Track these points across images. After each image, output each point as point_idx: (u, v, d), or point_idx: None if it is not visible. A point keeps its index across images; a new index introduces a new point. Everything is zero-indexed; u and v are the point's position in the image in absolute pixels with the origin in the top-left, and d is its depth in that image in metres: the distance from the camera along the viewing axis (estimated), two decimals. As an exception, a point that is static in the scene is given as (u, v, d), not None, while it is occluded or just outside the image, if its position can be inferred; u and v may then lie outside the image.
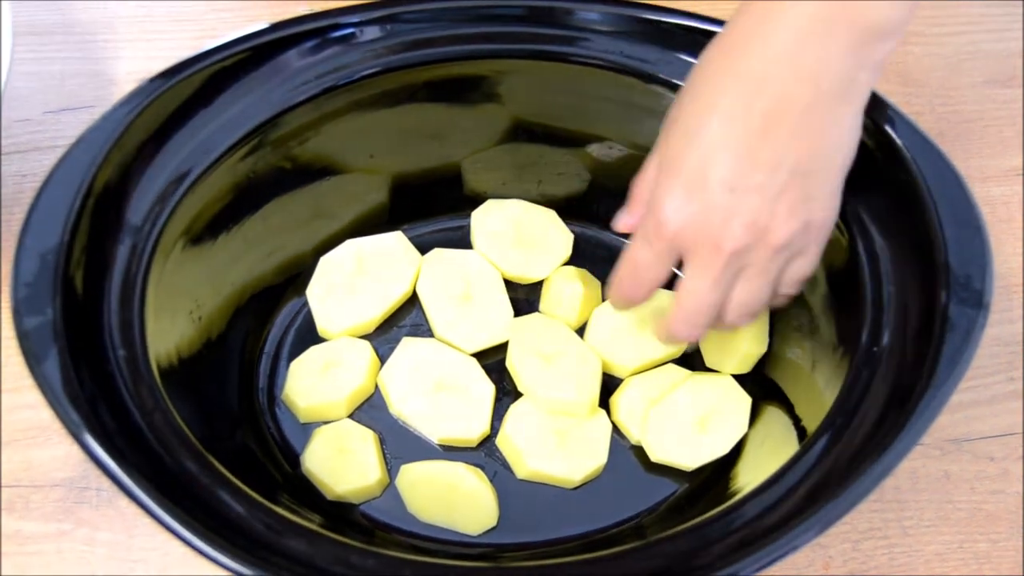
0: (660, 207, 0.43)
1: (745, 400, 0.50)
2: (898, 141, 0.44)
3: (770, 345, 0.52)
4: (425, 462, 0.50)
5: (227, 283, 0.51)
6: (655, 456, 0.50)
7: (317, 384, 0.51)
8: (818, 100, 0.40)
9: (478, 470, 0.50)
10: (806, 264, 0.45)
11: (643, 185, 0.46)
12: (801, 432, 0.46)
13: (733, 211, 0.41)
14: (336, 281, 0.54)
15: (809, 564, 0.49)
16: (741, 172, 0.41)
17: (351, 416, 0.52)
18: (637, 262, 0.45)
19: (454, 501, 0.49)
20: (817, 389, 0.46)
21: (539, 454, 0.49)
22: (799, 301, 0.49)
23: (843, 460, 0.39)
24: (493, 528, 0.49)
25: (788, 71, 0.40)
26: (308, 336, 0.54)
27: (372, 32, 0.49)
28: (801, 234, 0.43)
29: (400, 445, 0.51)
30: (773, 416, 0.50)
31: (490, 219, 0.56)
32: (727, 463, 0.49)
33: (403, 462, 0.50)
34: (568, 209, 0.57)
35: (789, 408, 0.48)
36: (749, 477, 0.46)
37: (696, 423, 0.50)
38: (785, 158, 0.41)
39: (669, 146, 0.44)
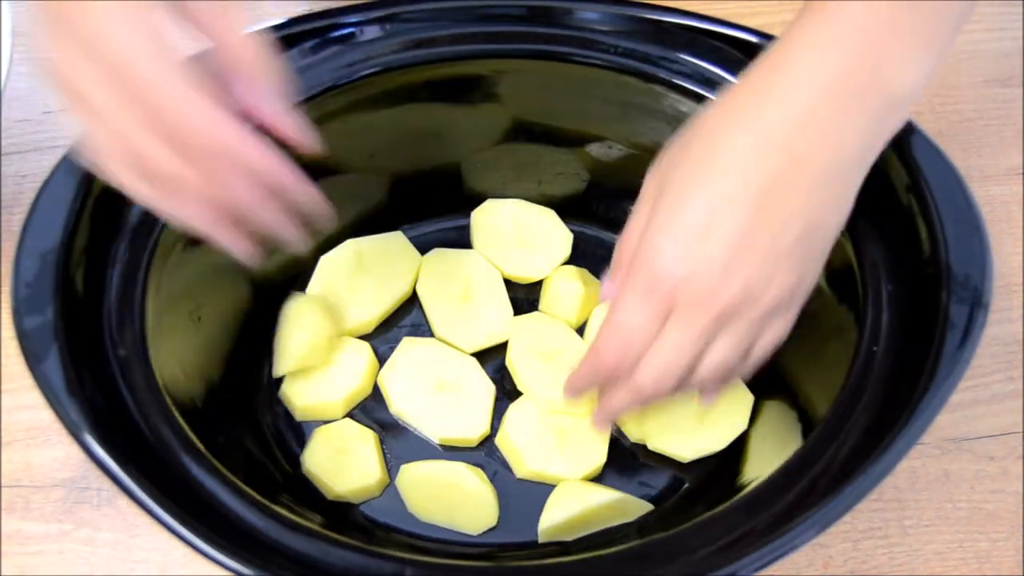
0: (657, 258, 0.40)
1: (747, 398, 0.50)
2: (898, 140, 0.44)
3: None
4: (425, 462, 0.50)
5: (227, 283, 0.51)
6: (652, 445, 0.50)
7: (315, 383, 0.51)
8: (837, 165, 0.39)
9: (478, 470, 0.50)
10: (781, 328, 0.43)
11: (627, 248, 0.43)
12: (803, 430, 0.46)
13: (733, 269, 0.39)
14: (336, 280, 0.54)
15: (809, 563, 0.49)
16: (747, 230, 0.39)
17: (351, 416, 0.52)
18: (626, 327, 0.41)
19: (454, 501, 0.49)
20: (818, 388, 0.46)
21: (539, 454, 0.49)
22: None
23: (843, 459, 0.39)
24: (493, 528, 0.49)
25: (810, 134, 0.38)
26: (308, 336, 0.54)
27: (372, 32, 0.49)
28: (789, 296, 0.41)
29: (400, 445, 0.51)
30: (776, 415, 0.50)
31: (490, 219, 0.56)
32: (728, 462, 0.49)
33: (403, 462, 0.50)
34: (568, 209, 0.57)
35: (791, 406, 0.48)
36: (750, 476, 0.46)
37: (696, 416, 0.50)
38: (794, 221, 0.39)
39: (666, 194, 0.41)
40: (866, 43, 0.38)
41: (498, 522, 0.49)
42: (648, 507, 0.49)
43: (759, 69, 0.40)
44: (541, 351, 0.52)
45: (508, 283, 0.55)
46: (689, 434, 0.49)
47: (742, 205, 0.39)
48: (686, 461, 0.50)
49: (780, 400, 0.50)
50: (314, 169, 0.52)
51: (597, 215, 0.57)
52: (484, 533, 0.48)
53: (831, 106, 0.38)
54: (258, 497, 0.38)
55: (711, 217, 0.39)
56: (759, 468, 0.46)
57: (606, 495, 0.48)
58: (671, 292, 0.40)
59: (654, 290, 0.40)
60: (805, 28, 0.39)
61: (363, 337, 0.54)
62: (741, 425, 0.50)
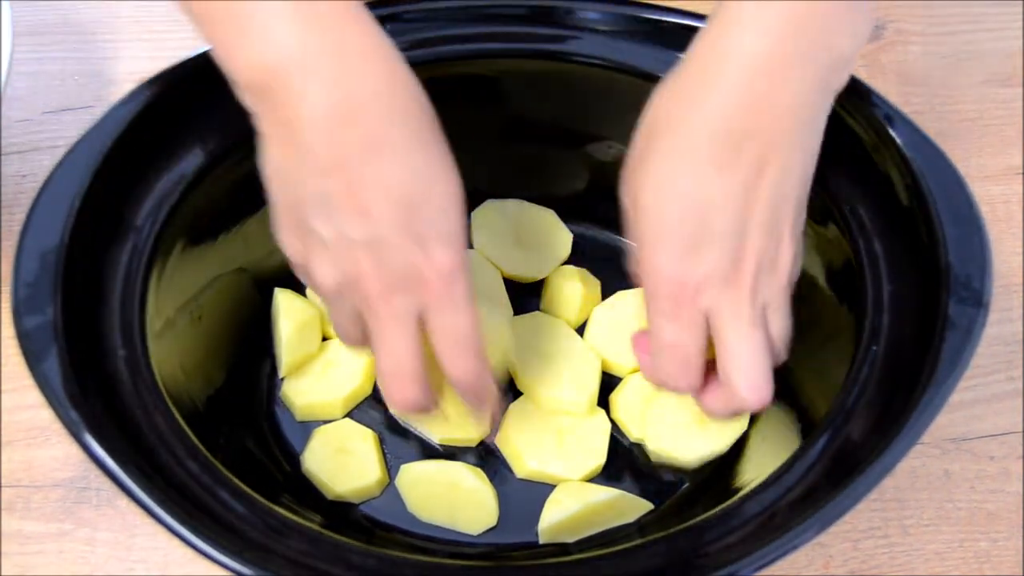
0: (662, 274, 0.40)
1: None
2: (898, 140, 0.44)
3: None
4: (425, 462, 0.50)
5: (228, 282, 0.51)
6: (654, 451, 0.50)
7: (315, 383, 0.51)
8: (798, 132, 0.40)
9: (478, 470, 0.50)
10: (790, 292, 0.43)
11: (636, 273, 0.43)
12: (803, 430, 0.46)
13: (744, 250, 0.40)
14: (336, 281, 0.54)
15: (809, 563, 0.49)
16: (741, 215, 0.39)
17: (351, 415, 0.52)
18: (672, 344, 0.42)
19: (454, 501, 0.49)
20: (817, 388, 0.46)
21: (539, 454, 0.49)
22: (798, 299, 0.49)
23: (843, 459, 0.39)
24: (493, 528, 0.49)
25: (764, 107, 0.39)
26: (308, 336, 0.54)
27: (372, 32, 0.49)
28: (797, 256, 0.42)
29: (400, 445, 0.51)
30: (775, 414, 0.50)
31: (490, 219, 0.56)
32: (728, 462, 0.49)
33: (403, 461, 0.50)
34: (568, 209, 0.57)
35: (791, 406, 0.48)
36: (750, 476, 0.46)
37: (696, 419, 0.50)
38: (777, 193, 0.40)
39: (641, 205, 0.41)
40: (806, 12, 0.38)
41: (498, 522, 0.49)
42: (648, 506, 0.49)
43: (701, 48, 0.41)
44: (541, 351, 0.52)
45: (508, 283, 0.55)
46: (690, 438, 0.49)
47: (726, 195, 0.39)
48: (689, 467, 0.50)
49: (780, 400, 0.50)
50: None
51: (597, 215, 0.57)
52: (484, 533, 0.48)
53: (776, 75, 0.39)
54: (258, 497, 0.38)
55: (702, 217, 0.39)
56: (759, 468, 0.46)
57: (606, 494, 0.48)
58: (694, 297, 0.40)
59: (679, 303, 0.41)
60: (742, 6, 0.39)
61: (363, 337, 0.54)
62: (741, 427, 0.50)
